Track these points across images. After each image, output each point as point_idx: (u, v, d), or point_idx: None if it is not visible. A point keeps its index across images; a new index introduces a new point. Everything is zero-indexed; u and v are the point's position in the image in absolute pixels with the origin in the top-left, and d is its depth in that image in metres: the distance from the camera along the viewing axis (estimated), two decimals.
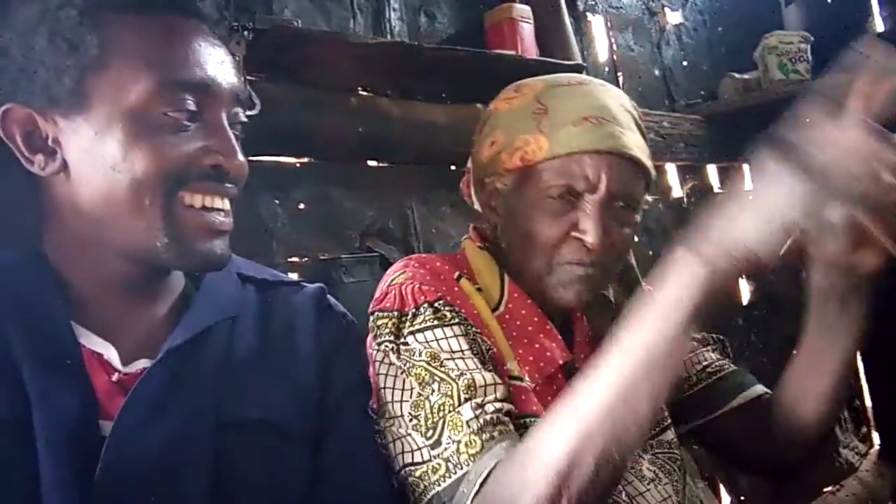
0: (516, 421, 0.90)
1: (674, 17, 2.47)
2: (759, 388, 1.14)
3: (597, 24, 2.17)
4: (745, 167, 2.69)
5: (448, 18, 1.71)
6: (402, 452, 0.87)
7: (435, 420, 0.84)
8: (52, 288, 0.75)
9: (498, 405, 0.86)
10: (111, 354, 0.75)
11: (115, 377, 0.74)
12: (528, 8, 1.63)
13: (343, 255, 1.37)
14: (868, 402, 3.00)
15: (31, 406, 0.67)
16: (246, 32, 1.22)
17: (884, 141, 0.69)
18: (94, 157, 0.72)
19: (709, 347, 1.18)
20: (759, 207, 0.72)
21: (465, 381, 0.85)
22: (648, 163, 1.00)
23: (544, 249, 0.98)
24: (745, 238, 0.71)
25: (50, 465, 0.65)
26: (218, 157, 0.76)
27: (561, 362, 1.00)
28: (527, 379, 0.97)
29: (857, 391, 2.99)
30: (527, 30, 1.62)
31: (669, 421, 1.09)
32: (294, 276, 1.01)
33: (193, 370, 0.77)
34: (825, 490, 2.62)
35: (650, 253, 2.11)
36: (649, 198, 1.05)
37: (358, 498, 0.84)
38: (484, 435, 0.82)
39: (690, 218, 2.35)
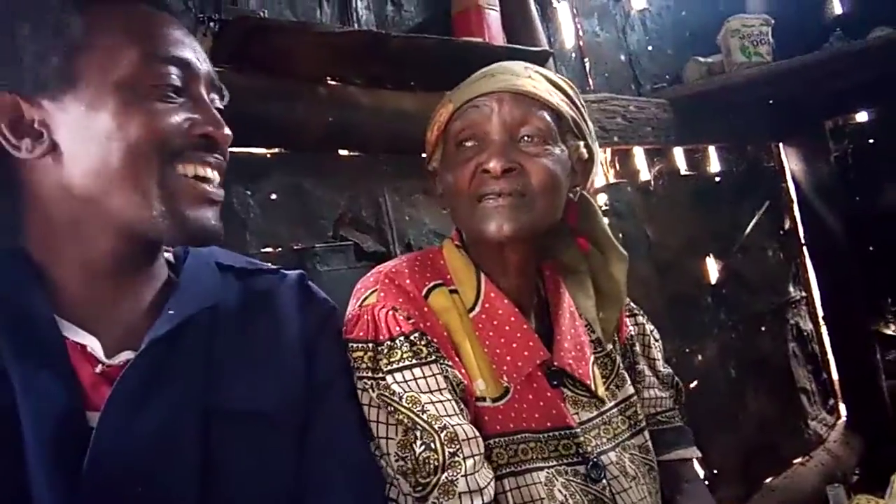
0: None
1: (638, 3, 2.50)
2: (683, 453, 1.18)
3: (563, 10, 2.18)
4: (710, 149, 2.75)
5: (415, 7, 1.71)
6: (391, 486, 0.90)
7: (424, 475, 0.87)
8: (33, 282, 0.75)
9: (478, 463, 0.89)
10: (95, 346, 0.76)
11: (99, 369, 0.75)
12: None
13: (317, 245, 1.38)
14: (835, 376, 3.09)
15: (17, 398, 0.67)
16: (212, 24, 1.22)
17: None
18: (87, 131, 0.73)
19: (668, 394, 1.22)
20: None
21: (448, 435, 0.88)
22: (553, 100, 1.04)
23: (463, 192, 1.02)
24: None
25: (37, 456, 0.66)
26: (206, 127, 0.78)
27: (539, 361, 1.02)
28: (504, 381, 0.99)
29: (825, 365, 3.08)
30: (493, 17, 1.63)
31: (644, 425, 1.11)
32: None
33: (177, 360, 0.77)
34: (795, 461, 2.70)
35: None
36: (580, 143, 1.07)
37: (343, 475, 0.86)
38: None
39: (657, 200, 2.40)
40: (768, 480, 2.55)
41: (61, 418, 0.69)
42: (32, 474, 0.65)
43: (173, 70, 0.77)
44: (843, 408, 3.09)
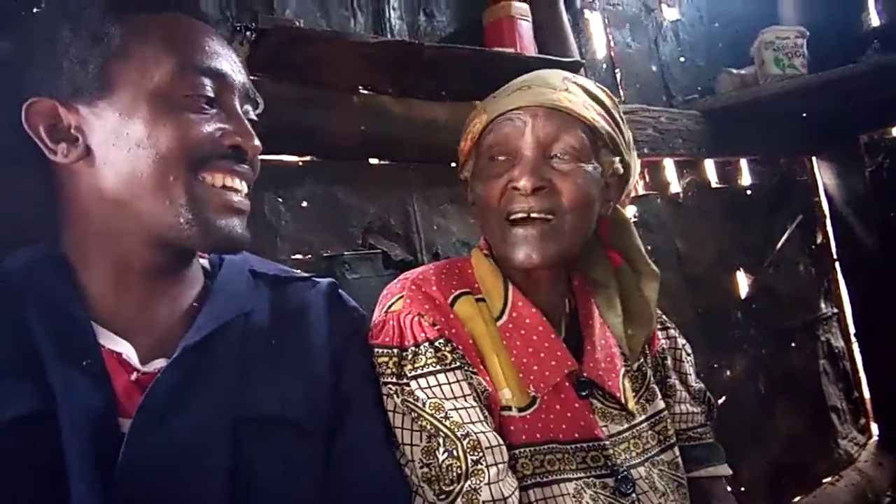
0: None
1: (671, 14, 2.48)
2: (714, 470, 1.16)
3: (594, 20, 2.18)
4: (742, 161, 2.71)
5: (447, 17, 1.72)
6: (416, 494, 0.90)
7: (447, 483, 0.87)
8: (71, 288, 0.77)
9: (502, 471, 0.88)
10: (130, 353, 0.77)
11: (133, 376, 0.76)
12: (525, 6, 1.64)
13: (346, 252, 1.38)
14: (867, 394, 3.02)
15: (56, 402, 0.68)
16: (248, 33, 1.23)
17: None
18: (119, 137, 0.75)
19: (699, 409, 1.20)
20: None
21: (470, 442, 0.87)
22: (589, 115, 1.01)
23: (492, 207, 1.01)
24: None
25: (75, 461, 0.67)
26: (236, 138, 0.79)
27: (566, 371, 1.01)
28: (531, 390, 0.98)
29: (856, 383, 3.01)
30: (525, 27, 1.63)
31: (674, 440, 1.10)
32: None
33: (209, 367, 0.78)
34: (824, 481, 2.64)
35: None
36: (615, 158, 1.05)
37: (369, 486, 0.86)
38: None
39: (688, 213, 2.36)
40: (797, 499, 2.50)
41: (96, 425, 0.70)
42: (72, 479, 0.66)
43: (207, 81, 0.78)
44: (875, 427, 3.02)
